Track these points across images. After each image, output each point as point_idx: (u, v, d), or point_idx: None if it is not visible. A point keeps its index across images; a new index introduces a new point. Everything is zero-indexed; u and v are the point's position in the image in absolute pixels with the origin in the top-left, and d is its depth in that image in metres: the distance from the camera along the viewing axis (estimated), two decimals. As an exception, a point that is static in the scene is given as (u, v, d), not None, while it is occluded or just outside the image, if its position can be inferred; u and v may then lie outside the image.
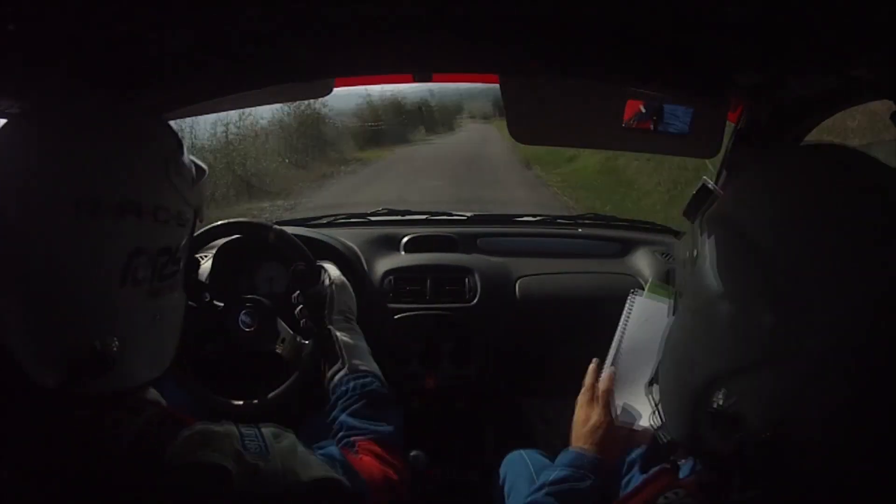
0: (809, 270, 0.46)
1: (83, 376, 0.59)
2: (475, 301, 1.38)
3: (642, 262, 1.50)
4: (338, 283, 1.01)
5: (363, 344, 0.93)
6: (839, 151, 0.54)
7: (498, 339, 1.39)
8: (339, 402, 0.83)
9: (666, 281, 1.42)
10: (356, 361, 0.88)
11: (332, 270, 1.04)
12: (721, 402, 0.49)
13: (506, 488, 1.04)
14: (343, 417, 0.81)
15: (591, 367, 0.90)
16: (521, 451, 1.10)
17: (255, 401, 1.08)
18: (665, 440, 0.60)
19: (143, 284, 0.62)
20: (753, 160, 0.60)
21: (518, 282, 1.44)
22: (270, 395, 1.07)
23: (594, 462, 0.80)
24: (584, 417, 0.85)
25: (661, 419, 0.60)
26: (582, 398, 0.88)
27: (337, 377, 0.87)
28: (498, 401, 1.49)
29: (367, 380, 0.85)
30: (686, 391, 0.54)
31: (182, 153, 0.67)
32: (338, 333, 0.92)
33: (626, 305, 0.93)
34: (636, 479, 0.87)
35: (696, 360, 0.53)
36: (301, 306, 1.01)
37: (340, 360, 0.88)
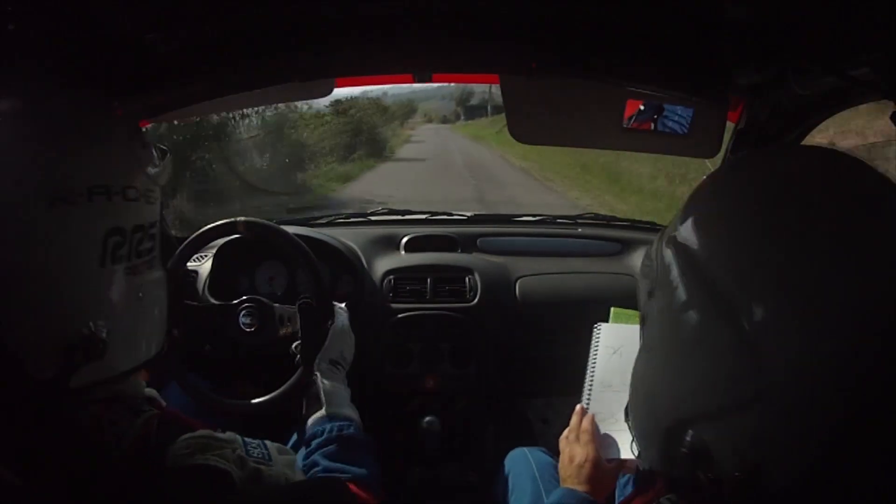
0: (772, 308, 0.43)
1: (78, 363, 0.60)
2: (475, 301, 1.38)
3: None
4: (337, 331, 1.02)
5: (345, 391, 0.95)
6: (787, 155, 0.52)
7: (498, 339, 1.39)
8: (314, 442, 0.84)
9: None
10: (335, 407, 0.90)
11: (339, 316, 1.05)
12: (689, 444, 0.48)
13: (508, 486, 1.04)
14: (317, 458, 0.81)
15: (578, 408, 0.90)
16: (525, 449, 1.10)
17: (255, 401, 1.08)
18: (644, 468, 0.59)
19: (121, 262, 0.63)
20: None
21: (518, 282, 1.44)
22: (270, 396, 1.07)
23: (584, 500, 0.80)
24: (570, 456, 0.85)
25: (638, 450, 0.59)
26: (566, 438, 0.88)
27: (313, 419, 0.88)
28: (498, 401, 1.49)
29: (345, 423, 0.87)
30: (656, 429, 0.53)
31: (142, 134, 0.69)
32: (320, 380, 0.93)
33: (593, 339, 0.92)
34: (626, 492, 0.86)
35: (662, 401, 0.52)
36: (297, 342, 1.03)
37: (320, 405, 0.90)
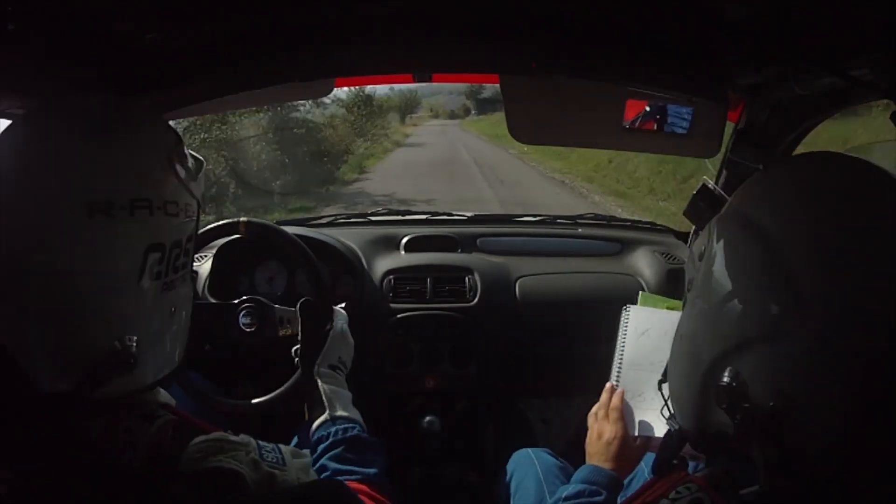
0: (817, 264, 0.47)
1: (105, 377, 0.59)
2: (475, 301, 1.38)
3: (642, 262, 1.50)
4: (336, 334, 1.01)
5: (346, 394, 0.94)
6: (869, 167, 0.55)
7: (498, 339, 1.39)
8: (321, 447, 0.84)
9: (665, 282, 1.42)
10: (338, 409, 0.89)
11: (339, 319, 1.04)
12: (727, 378, 0.51)
13: (512, 486, 1.04)
14: (325, 462, 0.81)
15: (608, 385, 0.91)
16: (529, 450, 1.10)
17: (255, 401, 1.08)
18: (675, 429, 0.61)
19: (159, 279, 0.63)
20: (780, 164, 0.62)
21: (518, 282, 1.44)
22: (271, 395, 1.07)
23: (610, 477, 0.81)
24: (598, 433, 0.86)
25: (671, 411, 0.62)
26: (594, 415, 0.89)
27: (317, 423, 0.88)
28: (498, 401, 1.49)
29: (349, 425, 0.86)
30: (695, 374, 0.55)
31: (182, 147, 0.67)
32: (321, 384, 0.93)
33: (622, 320, 0.94)
34: (639, 477, 0.87)
35: (704, 344, 0.55)
36: (297, 346, 1.02)
37: (323, 409, 0.89)
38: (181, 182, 0.65)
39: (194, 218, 0.69)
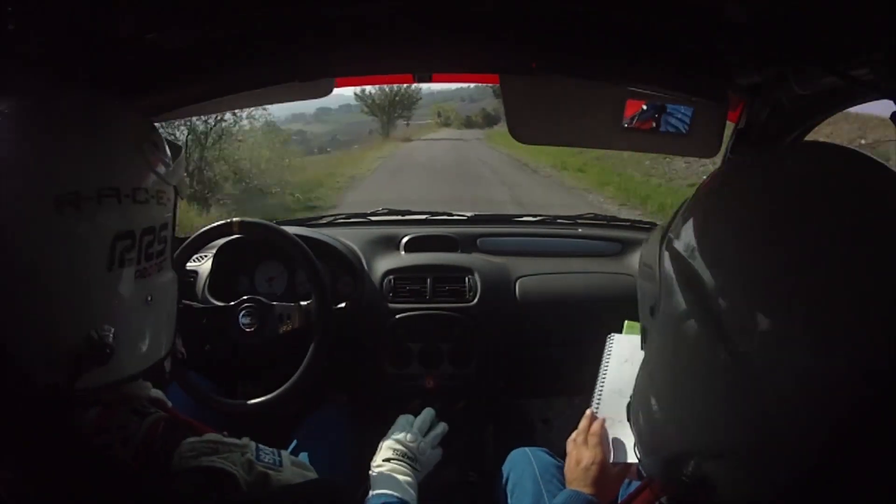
0: (772, 342, 0.40)
1: (85, 368, 0.59)
2: (475, 301, 1.38)
3: (642, 262, 1.50)
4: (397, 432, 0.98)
5: (399, 478, 0.89)
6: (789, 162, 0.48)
7: (498, 339, 1.39)
8: None
9: None
10: (379, 487, 0.86)
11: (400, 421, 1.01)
12: (693, 473, 0.47)
13: (509, 486, 1.04)
14: None
15: (588, 412, 0.90)
16: (527, 449, 1.10)
17: (255, 401, 1.09)
18: (645, 475, 0.59)
19: (130, 266, 0.62)
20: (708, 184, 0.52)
21: (518, 282, 1.44)
22: (271, 396, 1.07)
23: (589, 502, 0.80)
24: (576, 459, 0.85)
25: (639, 456, 0.58)
26: (574, 441, 0.88)
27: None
28: (498, 401, 1.49)
29: (385, 500, 0.83)
30: (657, 452, 0.51)
31: (154, 134, 0.67)
32: (376, 467, 0.90)
33: (606, 348, 0.93)
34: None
35: (662, 429, 0.50)
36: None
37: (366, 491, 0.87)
38: (152, 169, 0.64)
39: (168, 205, 0.68)
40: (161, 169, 0.66)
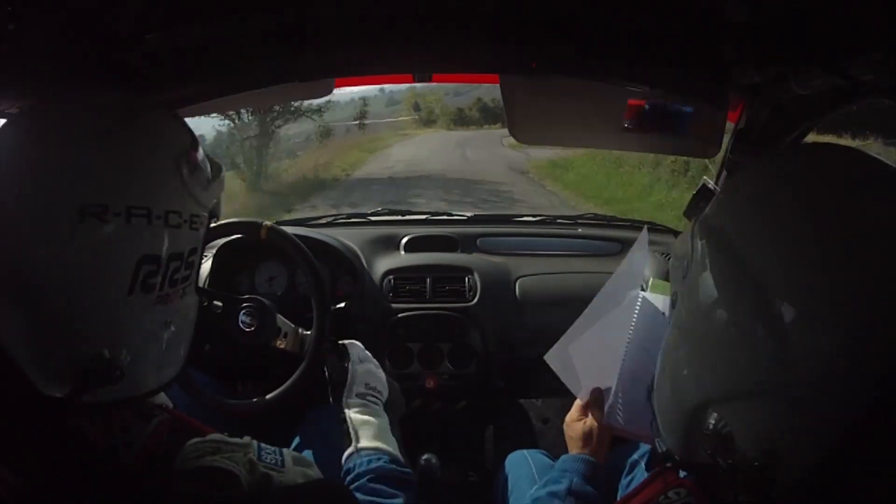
0: (800, 297, 0.45)
1: (91, 386, 0.57)
2: (475, 301, 1.38)
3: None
4: (357, 363, 1.00)
5: (378, 422, 0.92)
6: (830, 151, 0.53)
7: (498, 339, 1.39)
8: (347, 479, 0.83)
9: (666, 279, 1.42)
10: (364, 440, 0.87)
11: (353, 350, 1.03)
12: (713, 425, 0.49)
13: (507, 487, 1.04)
14: (352, 492, 0.79)
15: (577, 402, 0.93)
16: (524, 451, 1.10)
17: (255, 400, 1.08)
18: (662, 449, 0.60)
19: (153, 292, 0.59)
20: (745, 163, 0.60)
21: (518, 281, 1.44)
22: (269, 396, 1.07)
23: (587, 460, 0.83)
24: (571, 434, 0.89)
25: (659, 430, 0.60)
26: (568, 424, 0.91)
27: (345, 456, 0.87)
28: (498, 401, 1.49)
29: (374, 456, 0.85)
30: (679, 410, 0.53)
31: (196, 151, 0.63)
32: (350, 414, 0.91)
33: (632, 305, 0.91)
34: (639, 477, 0.87)
35: (688, 381, 0.53)
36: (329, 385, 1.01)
37: (349, 441, 0.88)
38: (188, 191, 0.61)
39: (201, 230, 0.64)
40: (198, 191, 0.62)
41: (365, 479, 0.81)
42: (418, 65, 0.98)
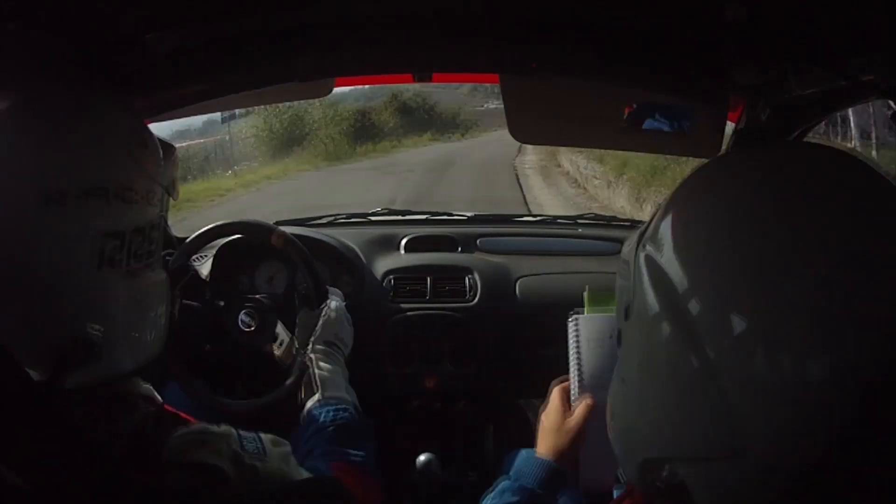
0: (743, 358, 0.39)
1: (70, 366, 0.59)
2: (475, 301, 1.38)
3: (642, 262, 1.50)
4: (331, 313, 1.01)
5: (342, 372, 0.94)
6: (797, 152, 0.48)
7: (498, 339, 1.39)
8: (310, 428, 0.84)
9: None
10: (330, 390, 0.89)
11: (333, 300, 1.04)
12: (667, 478, 0.46)
13: None
14: (314, 444, 0.81)
15: (555, 389, 0.86)
16: (524, 451, 1.10)
17: (254, 400, 1.09)
18: (623, 480, 0.58)
19: (119, 266, 0.62)
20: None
21: (518, 281, 1.44)
22: (269, 396, 1.07)
23: (550, 466, 0.80)
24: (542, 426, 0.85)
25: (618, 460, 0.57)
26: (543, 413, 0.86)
27: (309, 404, 0.88)
28: (498, 401, 1.49)
29: (340, 407, 0.86)
30: (630, 458, 0.50)
31: (146, 132, 0.67)
32: (317, 362, 0.92)
33: (570, 332, 0.85)
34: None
35: (635, 433, 0.49)
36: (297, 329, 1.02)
37: (314, 390, 0.89)
38: (141, 167, 0.64)
39: (158, 205, 0.68)
40: (151, 168, 0.66)
41: (330, 429, 0.82)
42: (418, 65, 0.99)
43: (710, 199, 0.46)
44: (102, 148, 0.63)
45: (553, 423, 0.82)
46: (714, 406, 0.41)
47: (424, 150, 16.50)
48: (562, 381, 0.85)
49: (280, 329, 1.09)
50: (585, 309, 0.86)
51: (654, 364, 0.45)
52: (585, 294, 0.86)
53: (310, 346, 0.96)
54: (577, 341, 0.84)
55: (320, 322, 0.99)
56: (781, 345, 0.39)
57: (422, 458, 1.19)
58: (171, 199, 0.73)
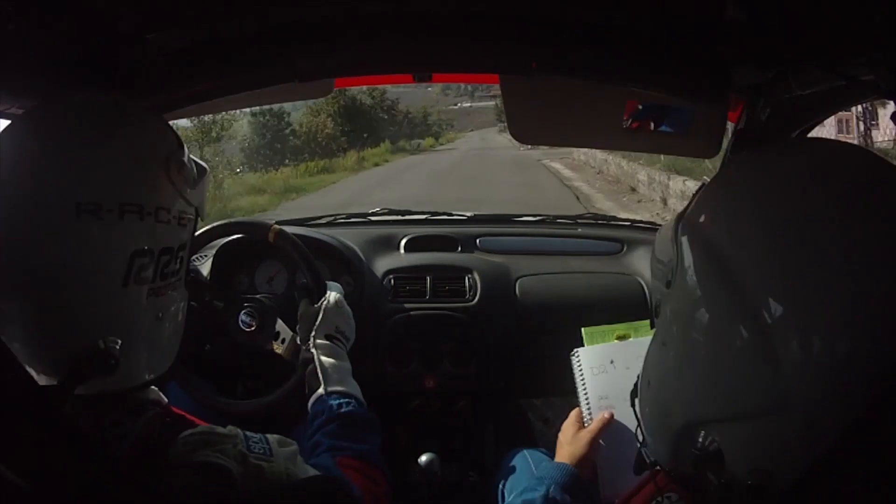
0: (795, 311, 0.42)
1: (87, 376, 0.59)
2: (475, 301, 1.38)
3: (642, 262, 1.50)
4: (331, 305, 1.01)
5: (344, 365, 0.94)
6: (832, 147, 0.50)
7: (498, 339, 1.39)
8: (315, 422, 0.84)
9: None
10: (334, 384, 0.89)
11: (333, 293, 1.04)
12: (702, 443, 0.47)
13: (507, 486, 1.04)
14: (319, 437, 0.81)
15: (576, 410, 0.92)
16: (524, 450, 1.10)
17: (256, 400, 1.09)
18: (649, 459, 0.59)
19: (145, 284, 0.62)
20: (738, 159, 0.57)
21: (518, 281, 1.44)
22: (271, 396, 1.07)
23: (572, 473, 0.81)
24: (562, 441, 0.88)
25: (645, 438, 0.58)
26: (563, 432, 0.90)
27: (313, 398, 0.88)
28: (498, 401, 1.49)
29: (344, 401, 0.86)
30: (665, 426, 0.52)
31: (183, 152, 0.67)
32: (319, 355, 0.92)
33: (574, 366, 0.93)
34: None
35: (674, 399, 0.51)
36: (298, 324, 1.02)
37: (318, 383, 0.89)
38: (176, 189, 0.64)
39: (189, 226, 0.68)
40: (186, 190, 0.66)
41: (335, 423, 0.82)
42: (418, 65, 0.98)
43: (761, 177, 0.49)
44: (141, 164, 0.62)
45: (569, 435, 0.87)
46: (761, 361, 0.42)
47: (373, 176, 11.11)
48: (577, 410, 0.92)
49: (281, 327, 1.09)
50: (585, 343, 0.95)
51: (699, 325, 0.47)
52: (583, 331, 0.96)
53: (311, 341, 0.96)
54: (581, 372, 0.92)
55: (320, 315, 0.99)
56: (828, 304, 0.41)
57: (422, 458, 1.19)
58: (201, 219, 0.74)
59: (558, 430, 0.92)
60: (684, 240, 0.50)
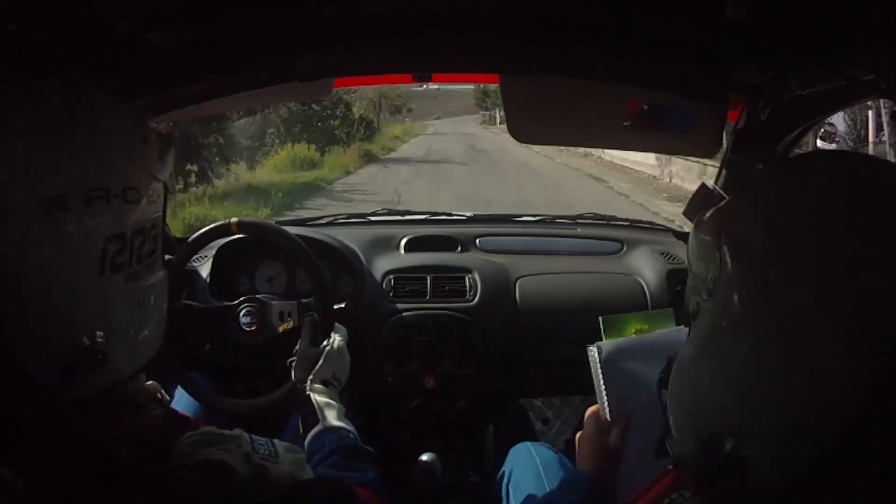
0: (843, 327, 0.41)
1: (78, 375, 0.57)
2: (475, 301, 1.38)
3: (642, 262, 1.51)
4: (332, 351, 1.02)
5: (340, 407, 0.95)
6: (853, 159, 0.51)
7: (498, 339, 1.39)
8: (316, 457, 0.84)
9: (666, 282, 1.41)
10: (331, 420, 0.90)
11: (338, 337, 1.05)
12: (730, 454, 0.46)
13: (511, 481, 1.04)
14: (323, 469, 0.82)
15: (591, 409, 0.87)
16: (529, 444, 1.10)
17: (256, 400, 1.09)
18: (673, 451, 0.58)
19: (122, 270, 0.60)
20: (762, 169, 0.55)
21: (518, 281, 1.44)
22: (271, 396, 1.07)
23: (593, 479, 0.80)
24: (583, 446, 0.85)
25: (671, 429, 0.57)
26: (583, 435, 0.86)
27: (311, 434, 0.89)
28: (498, 401, 1.49)
29: (342, 433, 0.87)
30: (694, 429, 0.51)
31: (145, 128, 0.65)
32: (315, 397, 0.94)
33: (591, 361, 0.86)
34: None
35: (707, 405, 0.50)
36: (293, 359, 1.03)
37: (317, 420, 0.90)
38: (143, 165, 0.62)
39: (158, 202, 0.65)
40: (151, 164, 0.63)
41: (337, 455, 0.83)
42: (418, 65, 0.99)
43: (808, 188, 0.48)
44: (101, 146, 0.60)
45: (591, 445, 0.83)
46: (800, 378, 0.42)
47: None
48: (595, 406, 0.87)
49: (279, 307, 1.11)
50: (603, 336, 0.88)
51: (737, 333, 0.46)
52: (600, 322, 0.89)
53: (308, 384, 0.97)
54: (599, 369, 0.86)
55: (321, 361, 1.00)
56: (871, 322, 0.40)
57: (422, 457, 1.19)
58: (170, 195, 0.72)
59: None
60: (727, 247, 0.49)
